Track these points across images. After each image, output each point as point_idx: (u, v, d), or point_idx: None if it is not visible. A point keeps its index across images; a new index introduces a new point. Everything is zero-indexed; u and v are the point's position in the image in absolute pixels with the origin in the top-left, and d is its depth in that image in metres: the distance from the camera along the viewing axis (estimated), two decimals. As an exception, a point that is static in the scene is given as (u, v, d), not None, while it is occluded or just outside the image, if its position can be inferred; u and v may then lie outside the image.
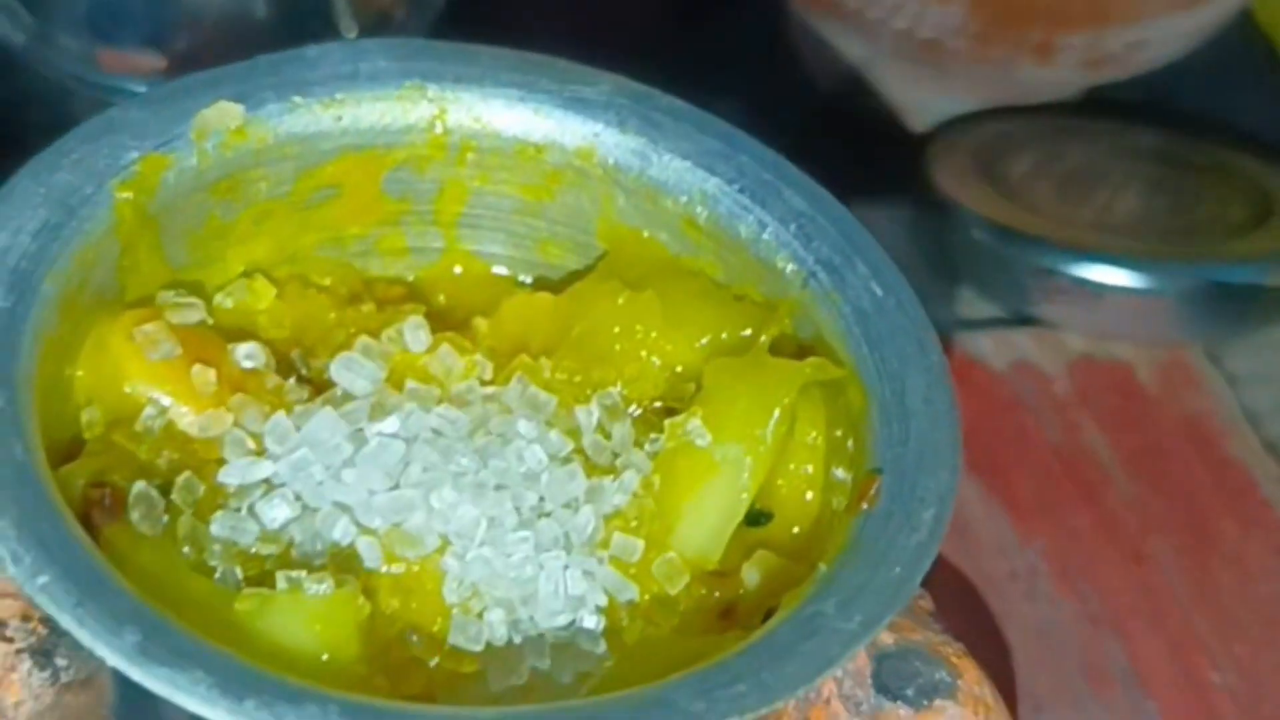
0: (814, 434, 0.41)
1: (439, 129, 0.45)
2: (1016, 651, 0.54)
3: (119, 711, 0.40)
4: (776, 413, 0.40)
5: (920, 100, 0.71)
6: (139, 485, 0.39)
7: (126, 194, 0.41)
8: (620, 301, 0.43)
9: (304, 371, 0.44)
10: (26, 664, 0.39)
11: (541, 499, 0.40)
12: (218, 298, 0.44)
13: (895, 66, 0.70)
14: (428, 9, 0.63)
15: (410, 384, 0.42)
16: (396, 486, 0.40)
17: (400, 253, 0.46)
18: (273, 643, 0.36)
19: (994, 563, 0.57)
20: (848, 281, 0.42)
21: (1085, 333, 0.64)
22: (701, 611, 0.40)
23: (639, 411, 0.43)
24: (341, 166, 0.44)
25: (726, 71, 0.71)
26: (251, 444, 0.40)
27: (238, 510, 0.39)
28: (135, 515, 0.38)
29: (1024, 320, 0.64)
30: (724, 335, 0.43)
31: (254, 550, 0.39)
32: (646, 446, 0.42)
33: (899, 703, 0.41)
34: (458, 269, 0.47)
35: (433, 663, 0.38)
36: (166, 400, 0.41)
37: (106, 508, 0.38)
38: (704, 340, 0.43)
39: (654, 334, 0.43)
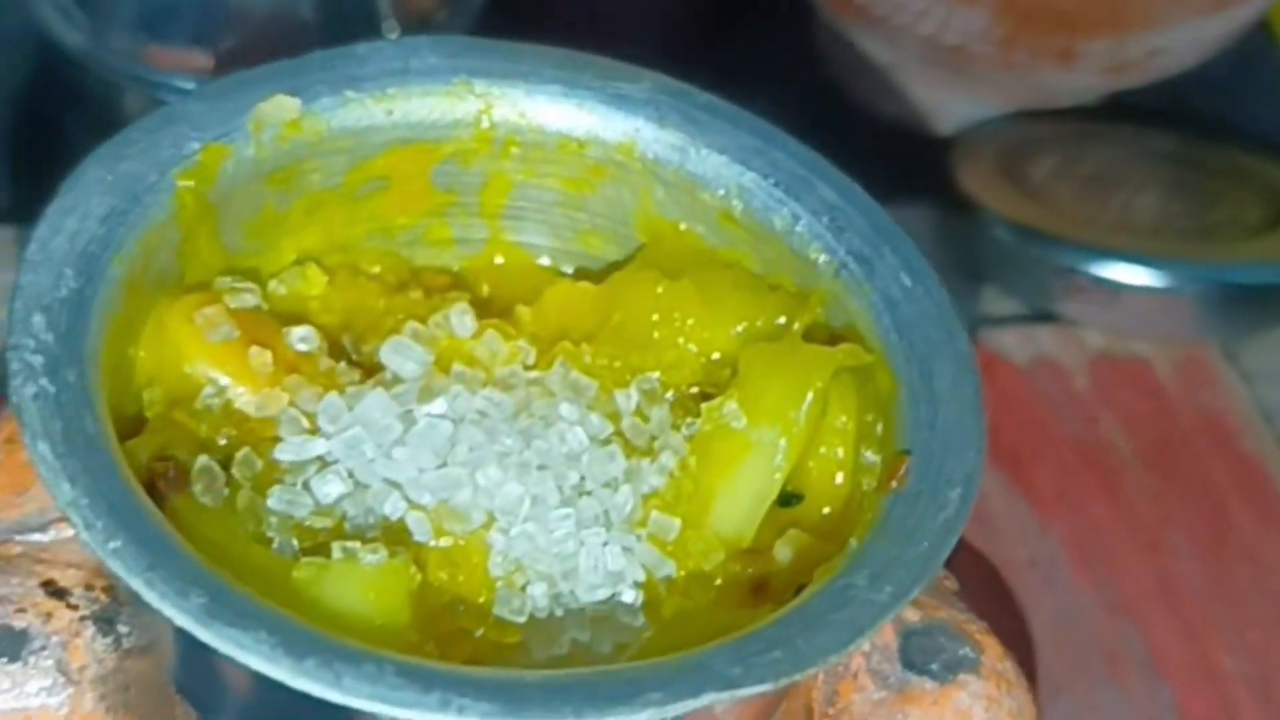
0: (844, 418, 0.42)
1: (485, 124, 0.45)
2: (1036, 636, 0.54)
3: (177, 677, 0.41)
4: (809, 396, 0.41)
5: (945, 104, 0.72)
6: (201, 459, 0.40)
7: (188, 182, 0.42)
8: (659, 291, 0.44)
9: (354, 356, 0.44)
10: (90, 630, 0.40)
11: (582, 478, 0.41)
12: (271, 284, 0.44)
13: (921, 71, 0.71)
14: (467, 10, 0.64)
15: (457, 367, 0.42)
16: (444, 465, 0.40)
17: (446, 243, 0.47)
18: (329, 608, 0.37)
19: (1015, 551, 0.57)
20: (877, 272, 0.43)
21: (1104, 330, 0.64)
22: (736, 587, 0.41)
23: (676, 396, 0.44)
24: (391, 159, 0.45)
25: (758, 75, 0.70)
26: (305, 423, 0.41)
27: (293, 485, 0.40)
28: (198, 488, 0.39)
29: (1045, 317, 0.64)
30: (759, 323, 0.44)
31: (309, 523, 0.40)
32: (683, 430, 0.42)
33: (924, 677, 0.42)
34: (500, 259, 0.47)
35: (478, 633, 0.39)
36: (225, 380, 0.41)
37: (171, 480, 0.39)
38: (739, 328, 0.43)
39: (691, 322, 0.44)
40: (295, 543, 0.39)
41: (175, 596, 0.34)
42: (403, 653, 0.36)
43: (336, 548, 0.39)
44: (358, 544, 0.39)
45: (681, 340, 0.44)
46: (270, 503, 0.40)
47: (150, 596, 0.34)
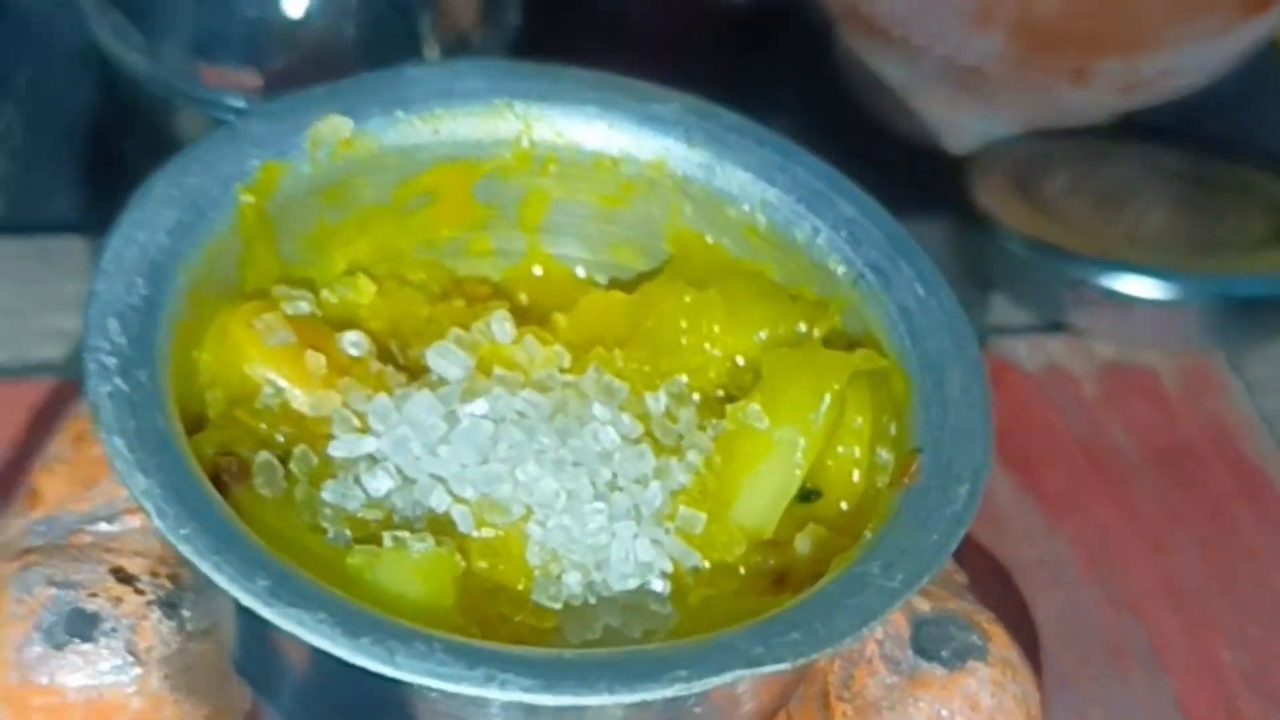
0: (860, 419, 0.42)
1: (525, 143, 0.46)
2: (1043, 631, 0.54)
3: (237, 659, 0.42)
4: (828, 398, 0.42)
5: (961, 122, 0.71)
6: (262, 455, 0.41)
7: (249, 197, 0.43)
8: (687, 300, 0.45)
9: (401, 360, 0.45)
10: (156, 614, 0.42)
11: (614, 475, 0.42)
12: (324, 292, 0.45)
13: (938, 91, 0.71)
14: (503, 30, 0.64)
15: (497, 371, 0.44)
16: (486, 461, 0.41)
17: (487, 254, 0.48)
18: (381, 592, 0.38)
19: (1023, 550, 0.57)
20: (894, 282, 0.44)
21: (1114, 340, 0.64)
22: (758, 576, 0.42)
23: (702, 398, 0.45)
24: (437, 176, 0.46)
25: (777, 94, 0.72)
26: (357, 422, 0.42)
27: (346, 480, 0.41)
28: (259, 481, 0.40)
29: (1056, 327, 0.64)
30: (781, 330, 0.44)
31: (360, 514, 0.41)
32: (709, 430, 0.43)
33: (935, 664, 0.43)
34: (538, 270, 0.48)
35: (517, 618, 0.40)
36: (282, 382, 0.42)
37: (234, 474, 0.40)
38: (762, 334, 0.44)
39: (717, 328, 0.45)
40: (348, 532, 0.40)
41: (242, 579, 0.35)
42: (449, 633, 0.36)
43: (387, 537, 0.40)
44: (406, 534, 0.40)
45: (708, 346, 0.45)
46: (325, 495, 0.41)
47: (219, 579, 0.35)
